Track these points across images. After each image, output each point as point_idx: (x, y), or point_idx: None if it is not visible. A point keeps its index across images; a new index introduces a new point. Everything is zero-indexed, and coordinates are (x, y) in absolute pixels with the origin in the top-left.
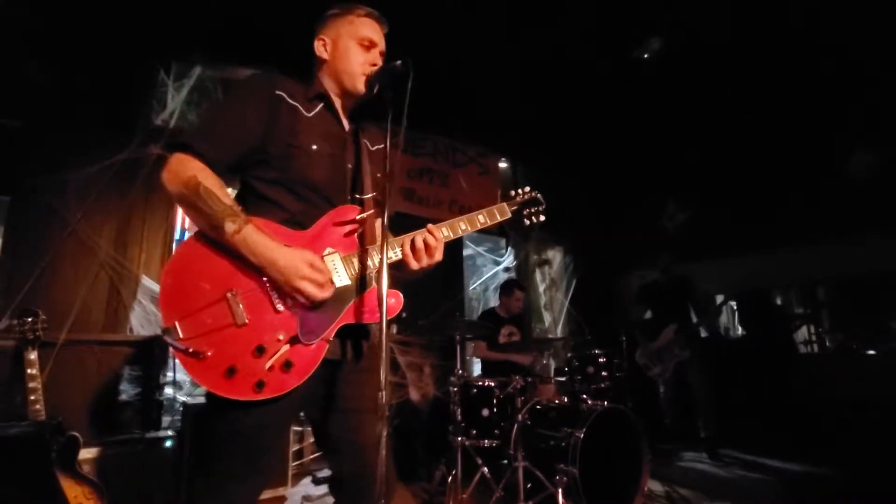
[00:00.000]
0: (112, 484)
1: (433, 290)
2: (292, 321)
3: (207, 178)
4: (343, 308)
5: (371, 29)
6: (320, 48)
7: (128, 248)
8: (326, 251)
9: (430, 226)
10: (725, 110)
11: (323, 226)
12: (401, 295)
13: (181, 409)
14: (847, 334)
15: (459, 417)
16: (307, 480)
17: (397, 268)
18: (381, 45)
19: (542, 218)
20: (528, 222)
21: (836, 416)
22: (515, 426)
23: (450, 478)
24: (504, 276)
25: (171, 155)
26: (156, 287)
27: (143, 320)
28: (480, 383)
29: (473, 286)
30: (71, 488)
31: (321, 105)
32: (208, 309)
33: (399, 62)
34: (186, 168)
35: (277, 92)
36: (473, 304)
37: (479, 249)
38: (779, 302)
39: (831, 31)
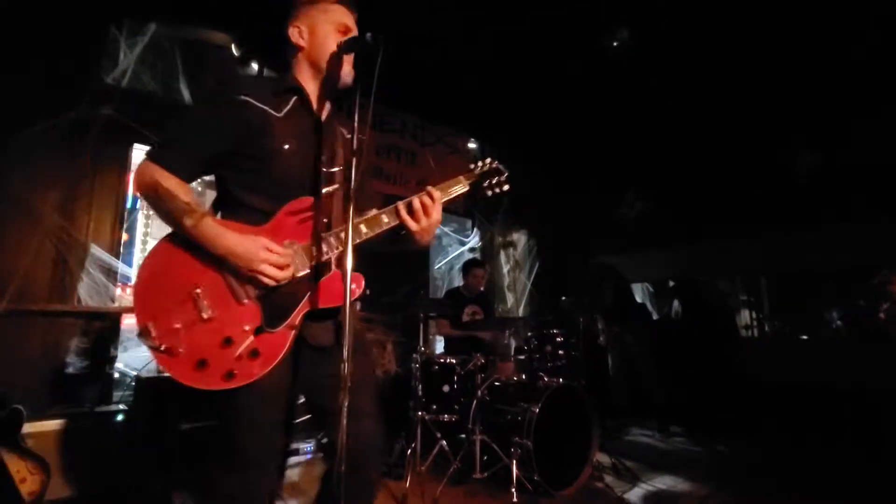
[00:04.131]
0: (59, 459)
1: (398, 268)
2: (256, 311)
3: (167, 181)
4: (305, 295)
5: (345, 15)
6: (296, 35)
7: (75, 215)
8: (286, 243)
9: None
10: (687, 107)
11: (280, 219)
12: (362, 279)
13: (133, 383)
14: (783, 321)
15: (421, 393)
16: None
17: (403, 239)
18: (355, 31)
19: (507, 188)
20: (489, 193)
21: (770, 395)
22: (475, 402)
23: (409, 451)
24: (469, 257)
25: (142, 162)
26: (106, 256)
27: (91, 291)
28: (442, 360)
29: (438, 265)
30: (14, 463)
31: (294, 99)
32: (176, 307)
33: (369, 35)
34: (149, 172)
35: (242, 98)
36: (438, 283)
37: (445, 229)
38: (723, 289)
39: (773, 30)
